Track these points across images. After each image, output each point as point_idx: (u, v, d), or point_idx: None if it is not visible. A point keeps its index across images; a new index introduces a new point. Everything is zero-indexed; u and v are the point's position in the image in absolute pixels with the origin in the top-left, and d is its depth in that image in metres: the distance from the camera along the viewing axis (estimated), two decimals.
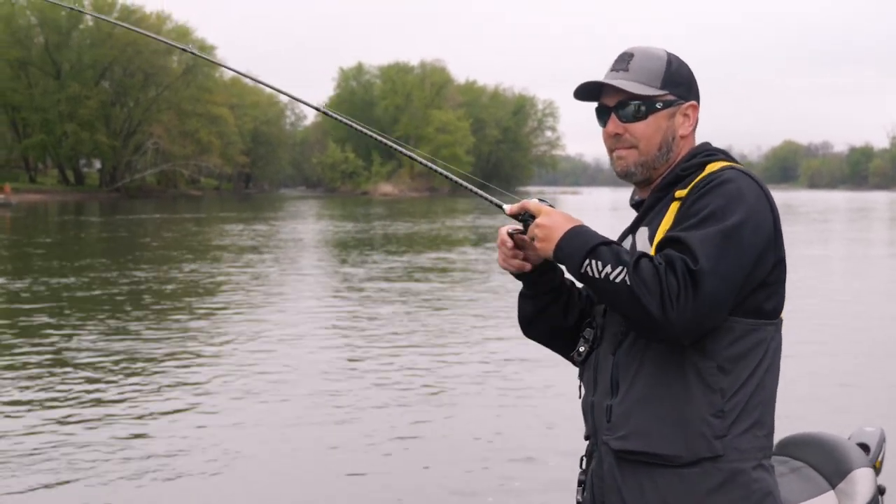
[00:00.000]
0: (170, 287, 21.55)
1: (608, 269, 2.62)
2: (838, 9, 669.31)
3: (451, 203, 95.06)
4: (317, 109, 3.73)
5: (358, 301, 19.28)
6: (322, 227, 49.04)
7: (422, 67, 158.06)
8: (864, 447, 3.25)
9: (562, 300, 3.14)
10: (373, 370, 12.32)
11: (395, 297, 19.68)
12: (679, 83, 2.99)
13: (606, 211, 73.98)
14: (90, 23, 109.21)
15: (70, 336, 14.57)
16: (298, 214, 66.41)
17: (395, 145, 3.47)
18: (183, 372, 12.25)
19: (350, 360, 13.01)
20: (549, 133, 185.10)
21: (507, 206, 3.01)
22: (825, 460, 3.17)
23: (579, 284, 3.12)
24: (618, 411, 2.84)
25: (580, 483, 3.05)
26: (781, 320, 2.90)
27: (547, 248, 2.80)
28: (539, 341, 3.26)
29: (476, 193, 3.23)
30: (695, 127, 3.03)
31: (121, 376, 11.91)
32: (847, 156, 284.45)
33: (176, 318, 16.73)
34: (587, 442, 3.05)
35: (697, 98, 3.05)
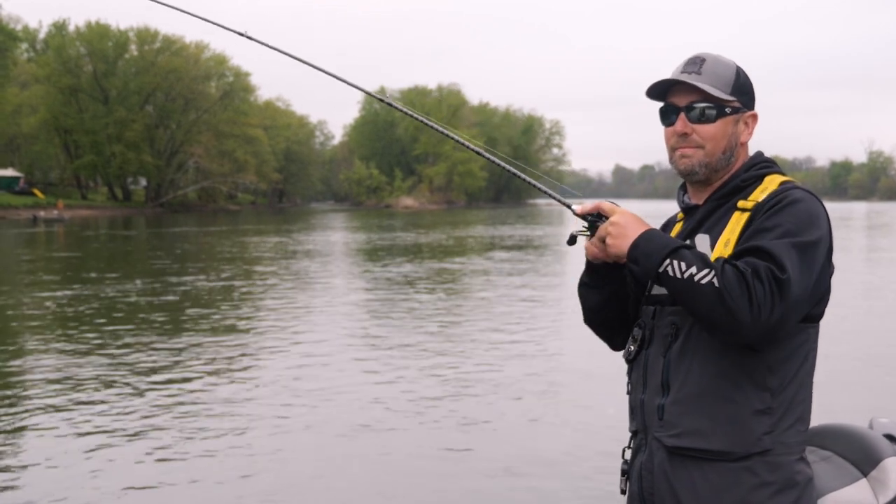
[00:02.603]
0: (207, 293, 21.58)
1: (693, 269, 2.54)
2: (822, 34, 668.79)
3: (463, 215, 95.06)
4: (381, 100, 3.61)
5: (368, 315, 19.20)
6: (341, 238, 49.07)
7: (439, 91, 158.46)
8: (890, 438, 3.23)
9: (624, 289, 3.07)
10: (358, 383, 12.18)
11: (388, 308, 19.62)
12: (745, 92, 2.92)
13: None
14: (135, 52, 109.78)
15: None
16: (322, 226, 66.39)
17: (462, 141, 3.38)
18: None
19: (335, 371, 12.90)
20: (555, 150, 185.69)
21: (576, 206, 2.91)
22: (855, 450, 3.10)
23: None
24: (670, 410, 2.78)
25: (623, 473, 3.00)
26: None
27: (621, 245, 2.72)
28: (601, 328, 3.18)
29: (546, 193, 3.11)
30: (751, 136, 2.97)
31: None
32: (828, 169, 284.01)
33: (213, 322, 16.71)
34: (631, 435, 3.00)
35: (754, 108, 2.99)
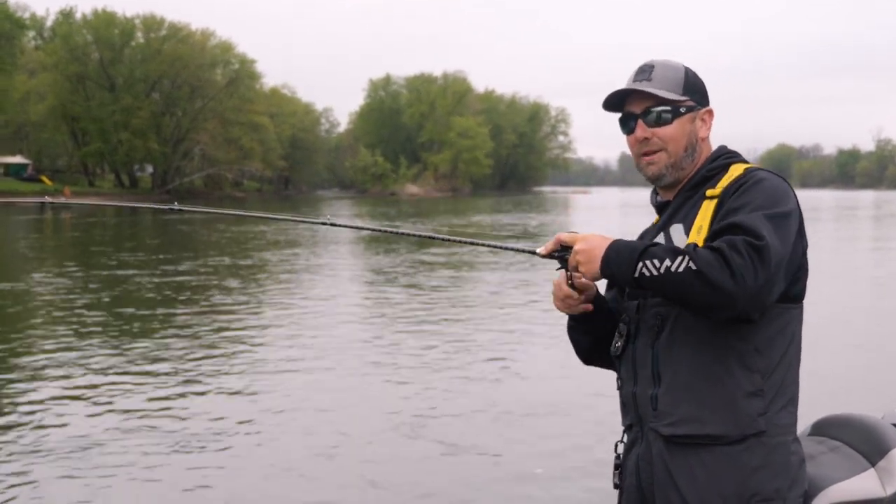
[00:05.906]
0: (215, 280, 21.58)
1: (667, 262, 2.58)
2: (825, 29, 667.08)
3: (467, 202, 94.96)
4: (323, 224, 3.74)
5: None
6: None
7: (444, 78, 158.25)
8: None
9: (613, 324, 3.09)
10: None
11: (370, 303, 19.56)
12: (696, 91, 3.02)
13: (616, 209, 73.82)
14: (141, 39, 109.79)
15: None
16: (324, 215, 66.09)
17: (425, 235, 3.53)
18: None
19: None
20: (561, 138, 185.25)
21: (539, 249, 2.98)
22: (863, 440, 3.09)
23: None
24: (664, 400, 2.83)
25: (616, 467, 3.05)
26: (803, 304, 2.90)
27: (593, 268, 2.76)
28: (603, 365, 3.24)
29: (506, 248, 3.27)
30: (710, 131, 3.05)
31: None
32: (836, 158, 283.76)
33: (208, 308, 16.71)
34: (624, 430, 3.04)
35: (709, 105, 3.07)
